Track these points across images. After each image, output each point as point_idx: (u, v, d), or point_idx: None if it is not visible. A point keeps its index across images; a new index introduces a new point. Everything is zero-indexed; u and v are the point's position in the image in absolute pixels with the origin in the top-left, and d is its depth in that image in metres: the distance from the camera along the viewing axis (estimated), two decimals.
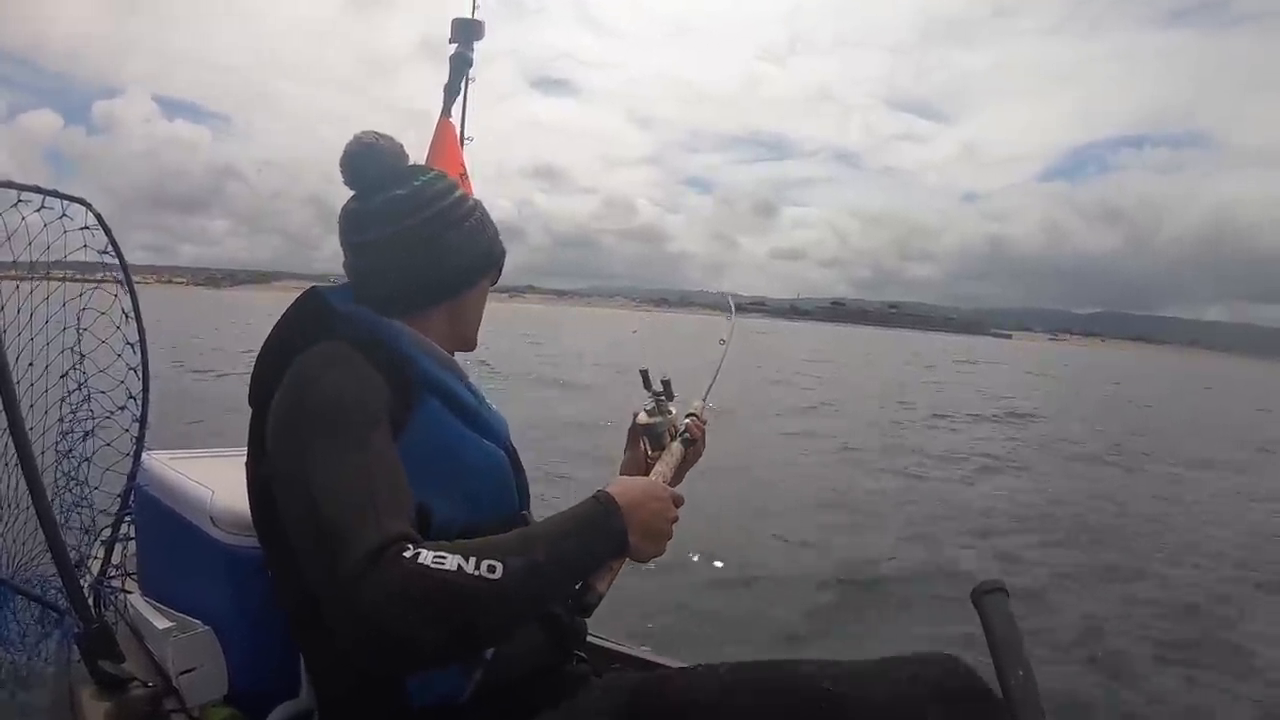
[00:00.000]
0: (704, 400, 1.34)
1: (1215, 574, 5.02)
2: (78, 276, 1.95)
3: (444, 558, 0.77)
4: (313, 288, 1.12)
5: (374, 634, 0.75)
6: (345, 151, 1.10)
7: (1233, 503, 7.07)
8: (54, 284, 1.91)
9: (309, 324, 1.06)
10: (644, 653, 1.62)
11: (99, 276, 1.98)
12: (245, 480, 1.09)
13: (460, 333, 1.19)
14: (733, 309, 1.56)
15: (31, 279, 1.85)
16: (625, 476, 1.10)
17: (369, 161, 1.10)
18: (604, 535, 0.92)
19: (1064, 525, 6.09)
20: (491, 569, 0.78)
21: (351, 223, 1.12)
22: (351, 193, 1.13)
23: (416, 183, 1.12)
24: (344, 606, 0.76)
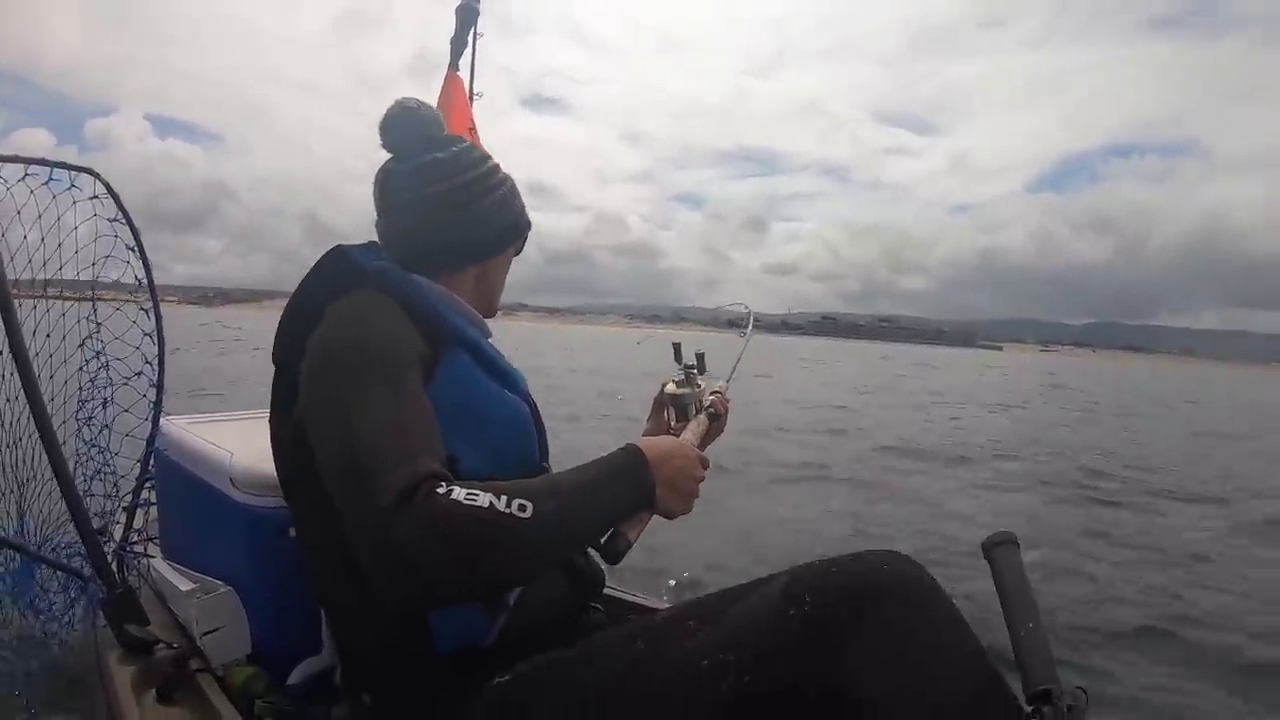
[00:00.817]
0: (727, 381, 1.36)
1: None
2: (95, 292, 1.95)
3: (476, 494, 0.79)
4: (337, 245, 1.12)
5: (406, 567, 0.76)
6: (386, 114, 1.13)
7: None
8: (67, 255, 1.91)
9: (340, 277, 1.07)
10: (660, 604, 1.62)
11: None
12: (267, 441, 1.10)
13: (484, 298, 1.21)
14: (750, 314, 1.63)
15: (51, 296, 1.86)
16: (653, 436, 1.09)
17: (409, 125, 1.13)
18: (632, 486, 0.93)
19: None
20: (523, 508, 0.80)
21: (389, 183, 1.14)
22: (387, 156, 1.15)
23: (453, 149, 1.15)
24: (377, 540, 0.77)
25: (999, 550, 1.07)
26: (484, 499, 0.78)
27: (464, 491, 0.78)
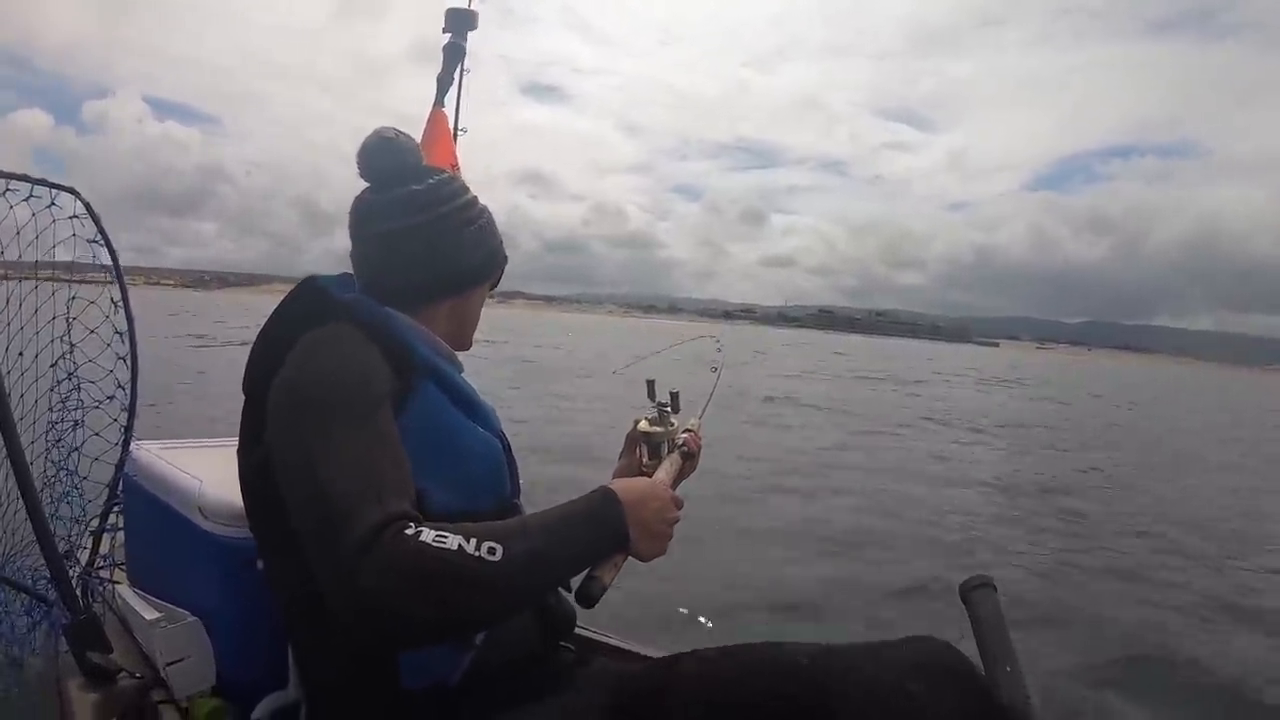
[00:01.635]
0: (699, 419, 1.36)
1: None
2: (64, 278, 1.94)
3: (445, 537, 0.78)
4: (310, 276, 1.12)
5: (373, 609, 0.76)
6: (363, 145, 1.12)
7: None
8: (43, 273, 1.90)
9: (310, 308, 1.06)
10: (629, 644, 1.62)
11: (87, 276, 1.97)
12: (235, 470, 1.09)
13: (458, 331, 1.20)
14: (720, 347, 1.63)
15: (19, 278, 1.84)
16: (625, 477, 1.10)
17: (386, 156, 1.12)
18: (605, 529, 0.93)
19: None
20: (492, 551, 0.79)
21: (364, 214, 1.14)
22: (365, 186, 1.15)
23: (431, 181, 1.14)
24: (344, 582, 0.76)
25: (976, 594, 1.08)
26: (453, 541, 0.78)
27: (433, 533, 0.78)
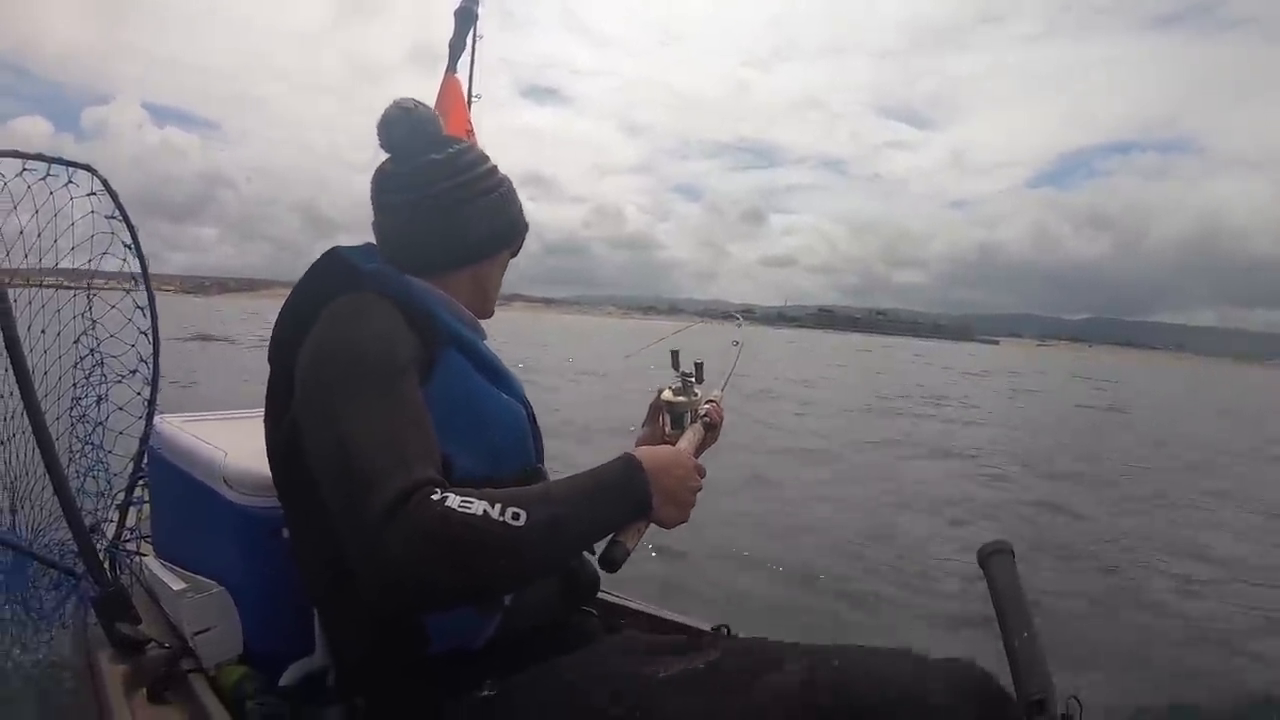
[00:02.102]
0: (722, 391, 1.35)
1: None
2: (83, 268, 1.94)
3: (470, 502, 0.78)
4: (334, 247, 1.12)
5: (399, 574, 0.76)
6: (384, 116, 1.12)
7: None
8: (63, 251, 1.90)
9: (335, 279, 1.06)
10: (651, 609, 1.61)
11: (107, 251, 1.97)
12: (261, 440, 1.10)
13: (480, 299, 1.20)
14: (740, 323, 1.65)
15: (40, 257, 1.85)
16: (648, 445, 1.07)
17: (405, 126, 1.12)
18: (629, 496, 0.92)
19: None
20: (516, 516, 0.80)
21: (384, 184, 1.14)
22: (385, 156, 1.15)
23: (450, 150, 1.15)
24: (371, 548, 0.77)
25: (994, 559, 1.06)
26: (478, 506, 0.78)
27: (458, 499, 0.78)
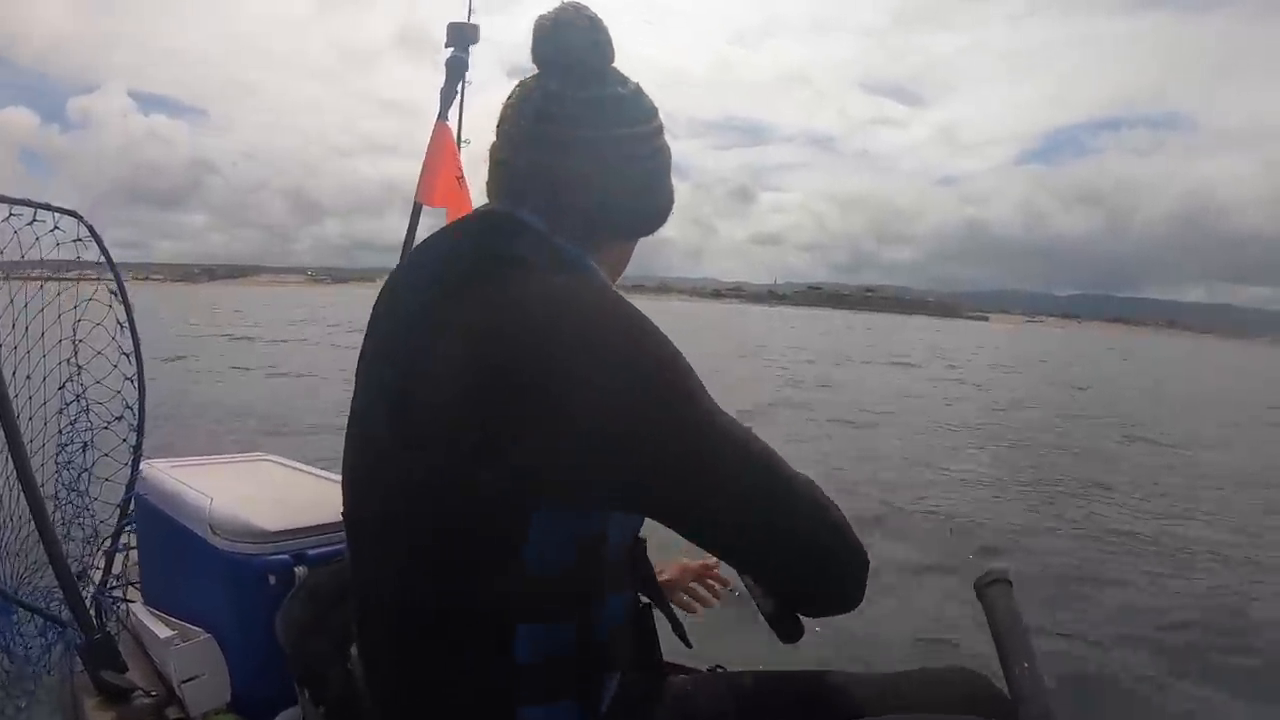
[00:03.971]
0: None
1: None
2: (70, 276, 1.95)
3: None
4: (486, 207, 0.87)
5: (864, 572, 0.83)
6: (554, 19, 0.83)
7: None
8: (49, 294, 1.91)
9: (524, 246, 0.79)
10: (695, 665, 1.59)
11: (92, 276, 1.98)
12: (247, 486, 1.06)
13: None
14: None
15: (25, 303, 1.86)
16: None
17: (588, 36, 0.84)
18: None
19: None
20: None
21: (558, 109, 0.83)
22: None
23: (631, 87, 0.88)
24: (851, 596, 0.83)
25: (992, 589, 1.08)
26: None
27: None
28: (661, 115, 0.91)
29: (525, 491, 0.71)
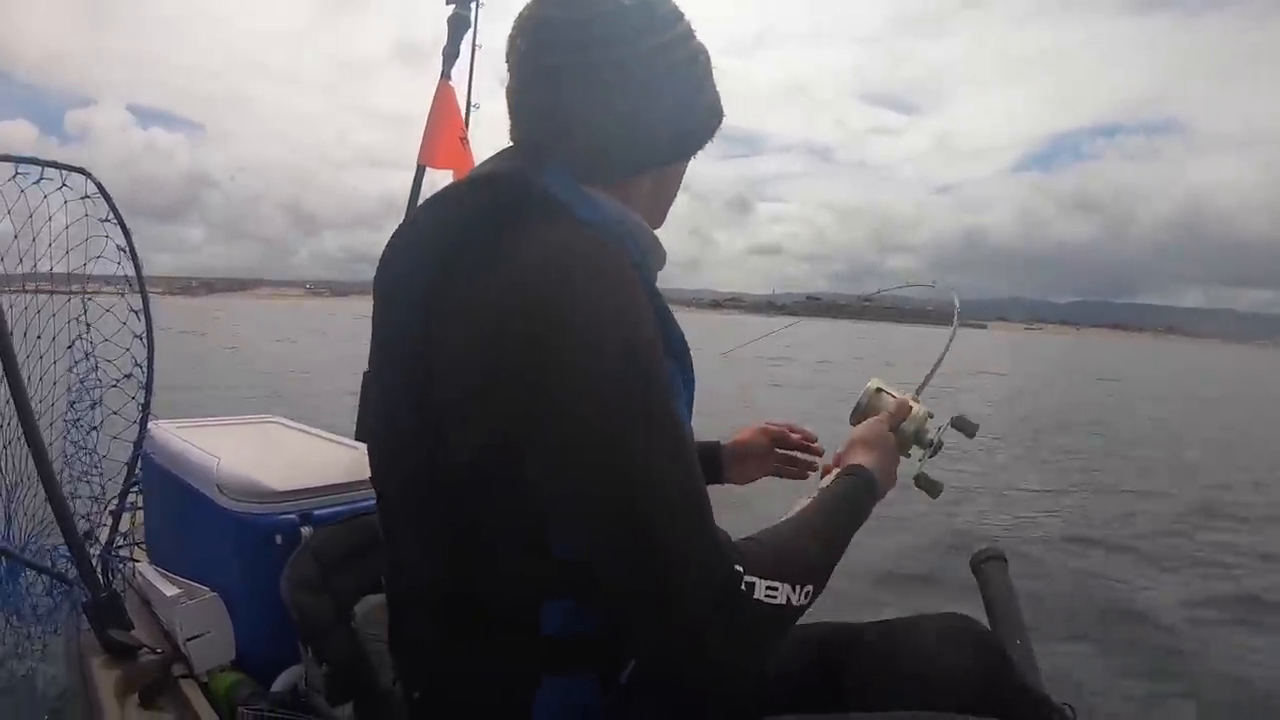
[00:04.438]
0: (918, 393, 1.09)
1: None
2: (79, 272, 1.94)
3: (775, 588, 0.67)
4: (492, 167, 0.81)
5: (710, 675, 0.67)
6: None
7: None
8: (58, 255, 1.90)
9: (516, 190, 0.74)
10: None
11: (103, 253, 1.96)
12: (254, 447, 1.06)
13: (652, 219, 0.88)
14: (956, 306, 1.27)
15: (34, 261, 1.85)
16: (861, 437, 0.95)
17: None
18: (863, 515, 0.85)
19: None
20: (808, 595, 0.71)
21: (542, 35, 0.78)
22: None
23: None
24: (684, 646, 0.65)
25: (987, 566, 1.08)
26: (781, 595, 0.67)
27: (764, 587, 0.66)
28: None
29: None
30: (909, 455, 1.00)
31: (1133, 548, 4.82)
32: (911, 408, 1.00)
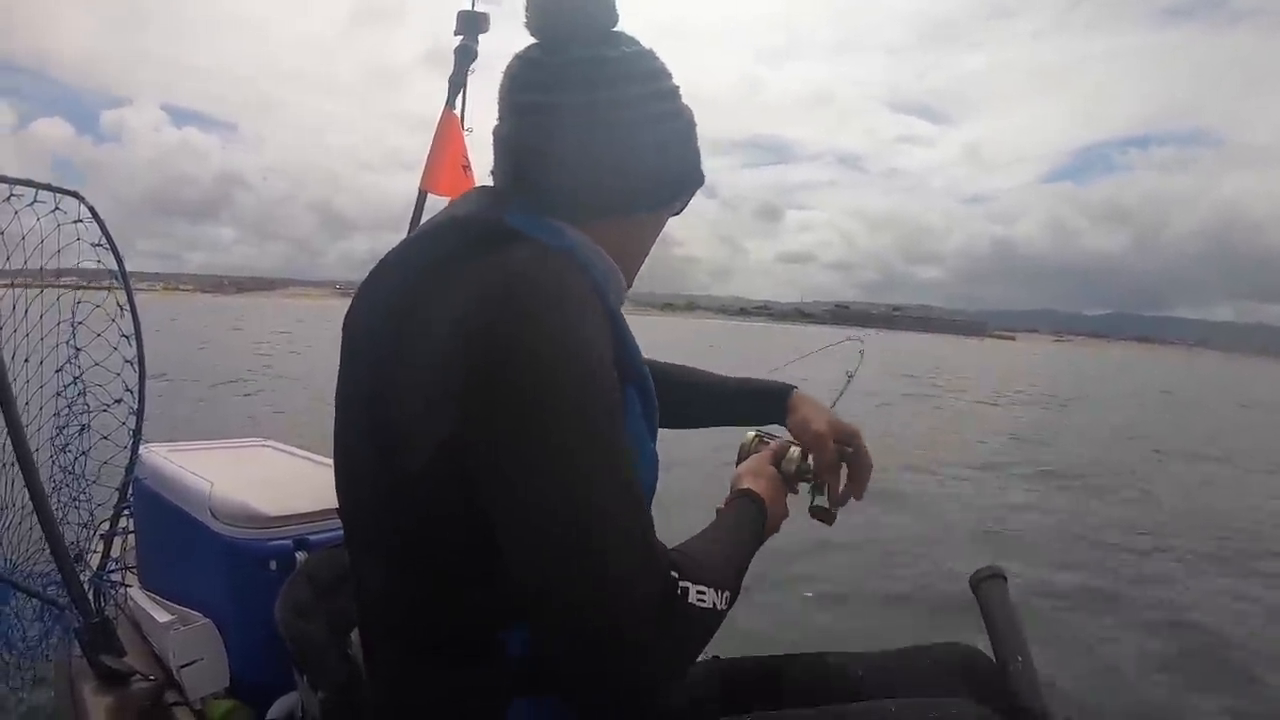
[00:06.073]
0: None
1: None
2: (70, 285, 1.94)
3: (704, 594, 0.69)
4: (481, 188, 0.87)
5: (644, 681, 0.67)
6: None
7: None
8: (49, 280, 1.90)
9: (483, 220, 0.77)
10: None
11: (99, 277, 1.96)
12: (247, 471, 1.07)
13: (626, 268, 0.89)
14: (862, 350, 1.31)
15: (33, 286, 1.84)
16: (747, 469, 1.01)
17: (570, 6, 0.81)
18: (759, 531, 0.90)
19: None
20: (728, 601, 0.73)
21: (527, 75, 0.82)
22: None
23: (626, 50, 0.83)
24: (621, 656, 0.65)
25: (987, 585, 1.08)
26: (709, 599, 0.70)
27: (695, 591, 0.68)
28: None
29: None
30: (796, 492, 1.06)
31: (1142, 560, 4.85)
32: (789, 449, 1.07)
